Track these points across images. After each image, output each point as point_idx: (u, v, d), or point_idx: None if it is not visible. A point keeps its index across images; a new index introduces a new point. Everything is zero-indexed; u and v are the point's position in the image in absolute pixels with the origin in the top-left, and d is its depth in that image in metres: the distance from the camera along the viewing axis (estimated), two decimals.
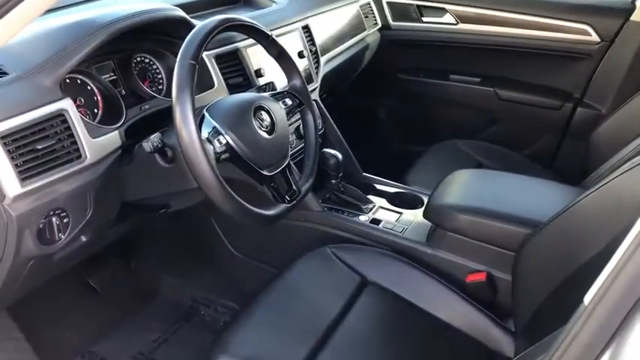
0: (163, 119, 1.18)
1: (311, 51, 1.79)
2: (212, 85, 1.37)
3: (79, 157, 1.03)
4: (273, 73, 1.54)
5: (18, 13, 0.79)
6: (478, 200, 1.38)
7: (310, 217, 1.59)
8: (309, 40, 1.80)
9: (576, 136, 2.10)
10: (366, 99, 2.58)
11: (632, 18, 1.95)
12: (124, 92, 1.27)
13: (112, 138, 1.12)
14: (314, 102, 1.56)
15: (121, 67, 1.28)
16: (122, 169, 1.17)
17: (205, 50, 1.10)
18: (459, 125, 2.38)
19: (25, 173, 0.94)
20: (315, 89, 1.78)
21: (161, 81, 1.37)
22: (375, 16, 2.33)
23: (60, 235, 1.05)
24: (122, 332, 1.75)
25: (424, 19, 2.31)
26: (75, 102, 1.07)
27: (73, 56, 1.06)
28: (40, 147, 0.96)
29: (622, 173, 0.97)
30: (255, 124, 1.13)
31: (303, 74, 1.35)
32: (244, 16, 1.29)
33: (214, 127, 1.06)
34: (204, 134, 1.05)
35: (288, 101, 1.28)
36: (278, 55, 1.29)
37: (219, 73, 1.40)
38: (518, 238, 1.22)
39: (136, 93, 1.29)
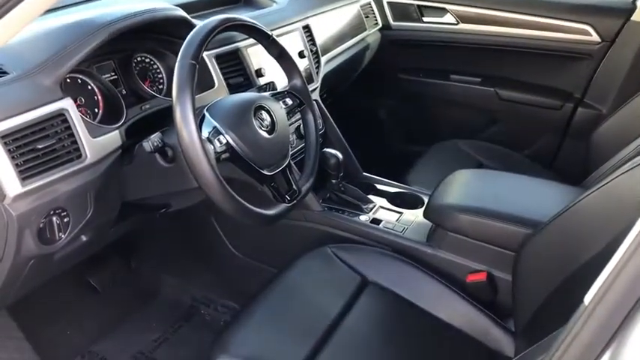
0: (164, 119, 1.18)
1: (311, 51, 1.79)
2: (212, 85, 1.37)
3: (80, 156, 1.03)
4: (274, 73, 1.54)
5: (18, 12, 0.79)
6: (478, 200, 1.38)
7: (310, 217, 1.59)
8: (310, 40, 1.80)
9: (577, 136, 2.10)
10: (366, 99, 2.58)
11: (633, 18, 1.94)
12: (124, 92, 1.27)
13: (113, 138, 1.12)
14: (314, 102, 1.56)
15: (121, 66, 1.28)
16: (122, 168, 1.17)
17: (206, 50, 1.10)
18: (459, 125, 2.38)
19: (25, 173, 0.94)
20: (315, 89, 1.78)
21: (161, 81, 1.37)
22: (375, 16, 2.33)
23: (60, 234, 1.05)
24: (122, 332, 1.75)
25: (425, 19, 2.31)
26: (75, 101, 1.07)
27: (74, 56, 1.06)
28: (40, 146, 0.96)
29: (623, 173, 0.97)
30: (256, 123, 1.13)
31: (303, 74, 1.35)
32: (245, 15, 1.29)
33: (214, 127, 1.06)
34: (205, 134, 1.06)
35: (289, 101, 1.28)
36: (278, 55, 1.29)
37: (220, 73, 1.40)
38: (518, 238, 1.22)
39: (136, 93, 1.29)
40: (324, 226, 1.58)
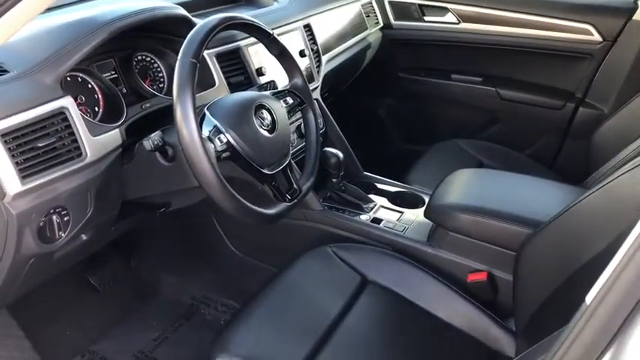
0: (164, 118, 1.18)
1: (312, 50, 1.79)
2: (213, 84, 1.36)
3: (80, 155, 1.03)
4: (275, 72, 1.54)
5: (18, 11, 0.78)
6: (479, 200, 1.38)
7: (311, 216, 1.59)
8: (311, 39, 1.80)
9: (578, 135, 2.10)
10: (367, 98, 2.58)
11: (635, 18, 1.94)
12: (124, 90, 1.27)
13: (113, 136, 1.12)
14: (315, 101, 1.56)
15: (122, 65, 1.28)
16: (123, 167, 1.17)
17: (206, 49, 1.10)
18: (460, 125, 2.38)
19: (25, 171, 0.94)
20: (316, 88, 1.78)
21: (162, 79, 1.37)
22: (376, 15, 2.33)
23: (60, 233, 1.05)
24: (122, 331, 1.75)
25: (426, 18, 2.31)
26: (76, 100, 1.07)
27: (74, 54, 1.06)
28: (40, 145, 0.96)
29: (624, 173, 0.96)
30: (256, 122, 1.13)
31: (304, 73, 1.35)
32: (246, 14, 1.29)
33: (215, 126, 1.06)
34: (205, 133, 1.06)
35: (289, 100, 1.28)
36: (279, 54, 1.29)
37: (220, 72, 1.39)
38: (519, 238, 1.22)
39: (136, 91, 1.29)
40: (325, 225, 1.58)
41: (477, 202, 1.37)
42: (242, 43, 1.49)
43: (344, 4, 2.09)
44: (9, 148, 0.92)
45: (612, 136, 1.68)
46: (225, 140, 1.06)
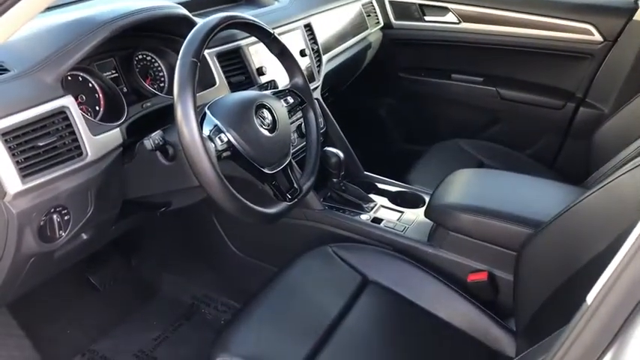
0: (165, 117, 1.18)
1: (313, 49, 1.79)
2: (214, 83, 1.36)
3: (80, 154, 1.03)
4: (275, 72, 1.54)
5: (19, 10, 0.79)
6: (480, 200, 1.38)
7: (311, 216, 1.59)
8: (311, 39, 1.80)
9: (578, 135, 2.10)
10: (367, 98, 2.58)
11: (635, 18, 1.94)
12: (125, 90, 1.27)
13: (114, 135, 1.12)
14: (316, 100, 1.56)
15: (122, 64, 1.28)
16: (123, 166, 1.17)
17: (207, 48, 1.10)
18: (460, 124, 2.38)
19: (26, 170, 0.94)
20: (316, 88, 1.78)
21: (163, 79, 1.37)
22: (377, 15, 2.33)
23: (61, 232, 1.05)
24: (123, 330, 1.75)
25: (426, 18, 2.31)
26: (76, 99, 1.07)
27: (75, 53, 1.06)
28: (41, 144, 0.96)
29: (624, 173, 0.96)
30: (257, 122, 1.13)
31: (304, 73, 1.35)
32: (246, 14, 1.29)
33: (216, 125, 1.06)
34: (206, 132, 1.05)
35: (290, 99, 1.28)
36: (280, 53, 1.29)
37: (221, 71, 1.39)
38: (519, 238, 1.22)
39: (137, 90, 1.29)
40: (325, 225, 1.58)
41: (478, 202, 1.37)
42: (243, 42, 1.49)
43: (344, 4, 2.09)
44: (9, 147, 0.92)
45: (613, 136, 1.68)
46: (225, 139, 1.06)
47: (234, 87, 1.41)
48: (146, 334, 1.75)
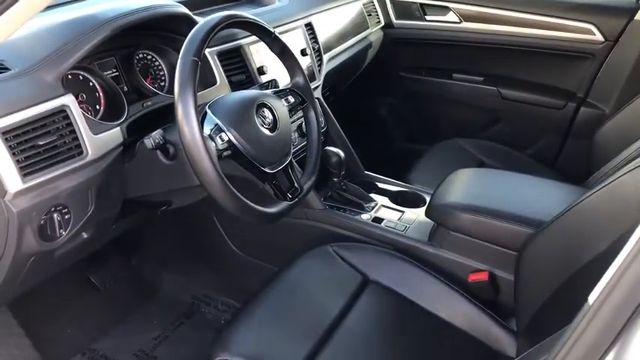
0: (165, 116, 1.18)
1: (314, 49, 1.79)
2: (214, 82, 1.36)
3: (81, 153, 1.03)
4: (276, 71, 1.54)
5: (19, 9, 0.78)
6: (480, 199, 1.38)
7: (312, 216, 1.59)
8: (312, 38, 1.80)
9: (579, 135, 2.10)
10: (368, 97, 2.57)
11: (637, 18, 1.94)
12: (125, 89, 1.27)
13: (114, 134, 1.12)
14: (316, 100, 1.56)
15: (123, 63, 1.28)
16: (124, 165, 1.17)
17: (208, 47, 1.10)
18: (461, 124, 2.37)
19: (26, 169, 0.94)
20: (317, 87, 1.78)
21: (163, 77, 1.37)
22: (378, 15, 2.33)
23: (61, 231, 1.05)
24: (123, 329, 1.75)
25: (427, 17, 2.31)
26: (77, 98, 1.07)
27: (75, 52, 1.06)
28: (41, 143, 0.96)
29: (625, 173, 0.96)
30: (258, 121, 1.13)
31: (305, 72, 1.35)
32: (247, 13, 1.28)
33: (216, 124, 1.06)
34: (207, 131, 1.05)
35: (291, 99, 1.28)
36: (281, 53, 1.29)
37: (222, 70, 1.39)
38: (520, 238, 1.22)
39: (138, 89, 1.29)
40: (326, 224, 1.57)
41: (479, 202, 1.36)
42: (243, 41, 1.49)
43: (345, 3, 2.09)
44: (10, 146, 0.92)
45: (614, 136, 1.68)
46: (226, 139, 1.06)
47: (234, 86, 1.41)
48: (146, 333, 1.75)
